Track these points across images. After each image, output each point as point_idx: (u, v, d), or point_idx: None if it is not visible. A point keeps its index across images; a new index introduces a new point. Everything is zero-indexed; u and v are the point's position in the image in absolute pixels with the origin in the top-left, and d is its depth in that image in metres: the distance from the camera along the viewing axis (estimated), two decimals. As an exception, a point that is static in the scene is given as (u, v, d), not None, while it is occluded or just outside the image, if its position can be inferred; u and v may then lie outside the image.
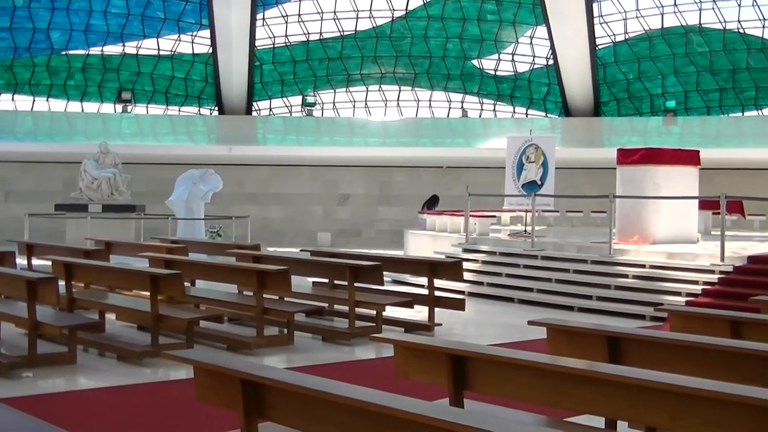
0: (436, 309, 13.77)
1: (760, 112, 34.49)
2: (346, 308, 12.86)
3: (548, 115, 36.99)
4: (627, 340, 6.88)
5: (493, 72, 37.14)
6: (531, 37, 36.23)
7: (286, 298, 13.32)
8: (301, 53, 37.21)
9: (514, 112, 37.43)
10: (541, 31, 35.12)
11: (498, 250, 19.55)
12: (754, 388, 5.16)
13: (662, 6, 33.95)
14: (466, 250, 19.86)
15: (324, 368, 10.45)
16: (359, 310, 13.00)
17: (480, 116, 37.52)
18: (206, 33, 35.96)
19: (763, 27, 32.81)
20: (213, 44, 35.56)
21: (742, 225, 26.31)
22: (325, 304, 13.81)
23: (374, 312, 13.09)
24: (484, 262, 19.21)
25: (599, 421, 6.40)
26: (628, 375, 5.40)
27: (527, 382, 5.92)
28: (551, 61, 35.30)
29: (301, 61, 37.32)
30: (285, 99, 38.14)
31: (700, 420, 5.03)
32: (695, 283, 15.43)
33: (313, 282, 15.36)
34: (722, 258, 15.65)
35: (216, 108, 37.09)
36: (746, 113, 34.66)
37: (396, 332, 12.35)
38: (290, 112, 38.25)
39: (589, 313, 15.61)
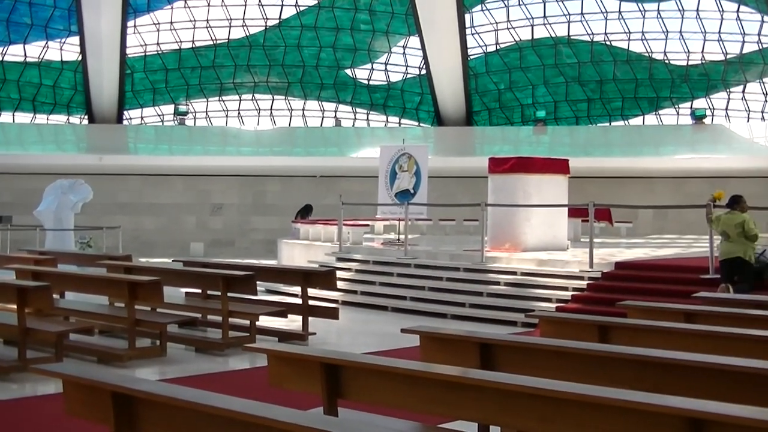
0: (310, 318, 13.75)
1: (626, 122, 35.38)
2: (219, 318, 12.73)
3: (421, 124, 37.31)
4: (498, 346, 6.96)
5: (366, 81, 37.31)
6: (404, 47, 36.51)
7: (158, 309, 13.12)
8: (173, 61, 36.79)
9: (387, 121, 37.65)
10: (414, 41, 35.42)
11: (371, 258, 19.62)
12: (622, 390, 5.29)
13: (532, 18, 34.58)
14: (339, 259, 19.88)
15: (197, 379, 10.33)
16: (233, 320, 12.89)
17: (353, 125, 37.65)
18: (75, 40, 35.26)
19: (629, 40, 33.71)
20: (82, 51, 34.89)
21: (611, 232, 26.92)
22: (198, 315, 13.66)
23: (248, 322, 12.99)
24: (358, 271, 19.26)
25: (472, 427, 6.45)
26: (498, 380, 5.47)
27: (400, 390, 5.94)
28: (424, 71, 35.63)
29: (173, 70, 36.90)
30: (157, 108, 37.68)
31: (569, 423, 5.12)
32: (565, 289, 15.73)
33: (186, 293, 15.18)
34: (591, 264, 16.00)
35: (86, 116, 36.38)
36: (613, 123, 35.54)
37: (270, 342, 12.30)
38: (162, 121, 37.80)
39: (462, 320, 15.78)
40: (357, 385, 6.18)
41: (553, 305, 15.24)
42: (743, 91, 33.55)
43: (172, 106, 37.14)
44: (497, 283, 16.75)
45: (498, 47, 35.67)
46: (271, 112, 37.89)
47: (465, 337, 7.17)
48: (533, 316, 9.21)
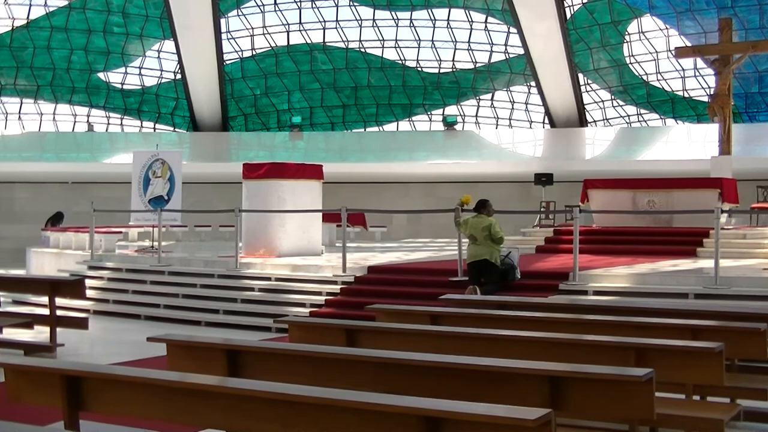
0: (60, 329, 13.29)
1: (381, 128, 36.02)
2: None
3: (176, 129, 36.80)
4: (246, 352, 6.94)
5: (120, 86, 36.47)
6: (159, 51, 35.94)
7: None
8: None
9: (141, 126, 36.93)
10: (169, 45, 34.93)
11: (124, 266, 19.19)
12: (361, 392, 5.37)
13: (288, 23, 34.71)
14: (91, 267, 19.37)
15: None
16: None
17: (107, 130, 36.71)
18: None
19: (383, 47, 34.34)
20: None
21: (366, 236, 27.37)
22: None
23: (-10, 335, 12.46)
24: (110, 279, 18.80)
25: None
26: (241, 387, 5.46)
27: (144, 400, 5.85)
28: (179, 76, 35.17)
29: None
30: None
31: (311, 427, 5.16)
32: (319, 294, 15.85)
33: None
34: (344, 269, 16.19)
35: None
36: (368, 129, 36.10)
37: (15, 355, 11.80)
38: None
39: (216, 327, 15.66)
40: (99, 396, 6.03)
41: (307, 310, 15.32)
42: (492, 99, 34.79)
43: None
44: (252, 289, 16.70)
45: (254, 52, 35.62)
46: (20, 116, 36.47)
47: (212, 344, 7.12)
48: (283, 321, 9.23)
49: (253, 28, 35.09)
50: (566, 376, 5.80)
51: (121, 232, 23.01)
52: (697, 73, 31.39)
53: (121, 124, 37.04)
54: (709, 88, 28.65)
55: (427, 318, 8.92)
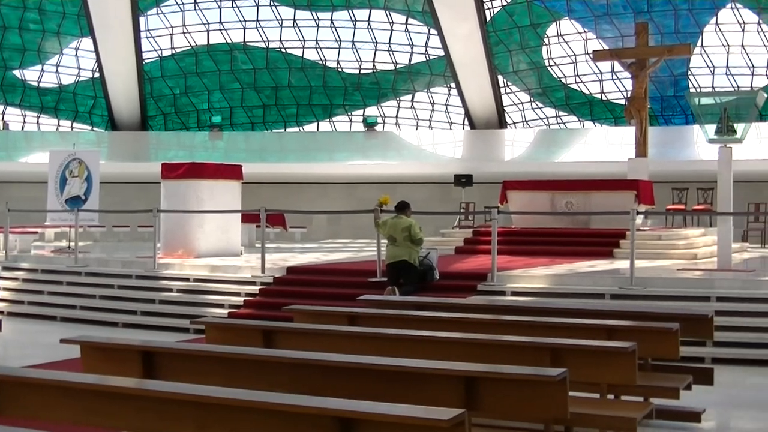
0: (-30, 332, 13.04)
1: (301, 128, 35.95)
2: None
3: (94, 128, 36.34)
4: (161, 354, 6.88)
5: (36, 84, 35.87)
6: (76, 49, 35.44)
7: None
8: None
9: (58, 125, 36.37)
10: (87, 43, 34.46)
11: (40, 267, 18.86)
12: (276, 393, 5.35)
13: (208, 23, 34.49)
14: (5, 268, 19.01)
15: None
16: None
17: (23, 129, 36.10)
18: None
19: (303, 48, 34.26)
20: None
21: (286, 237, 27.32)
22: None
23: None
24: (25, 280, 18.47)
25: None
26: (155, 389, 5.41)
27: (58, 403, 5.77)
28: (97, 74, 34.72)
29: None
30: None
31: (225, 428, 5.13)
32: (238, 294, 15.75)
33: None
34: (263, 270, 16.12)
35: None
36: (288, 129, 35.99)
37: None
38: None
39: (134, 328, 15.49)
40: (12, 400, 5.93)
41: (226, 311, 15.22)
42: (412, 100, 34.91)
43: None
44: (170, 290, 16.53)
45: (173, 51, 35.31)
46: (-71, 115, 35.73)
47: (126, 345, 7.04)
48: (200, 322, 9.16)
49: (172, 27, 34.81)
50: (481, 377, 5.85)
51: (36, 233, 22.67)
52: (614, 77, 31.83)
53: (38, 123, 36.43)
54: (626, 91, 29.10)
55: (345, 319, 8.93)
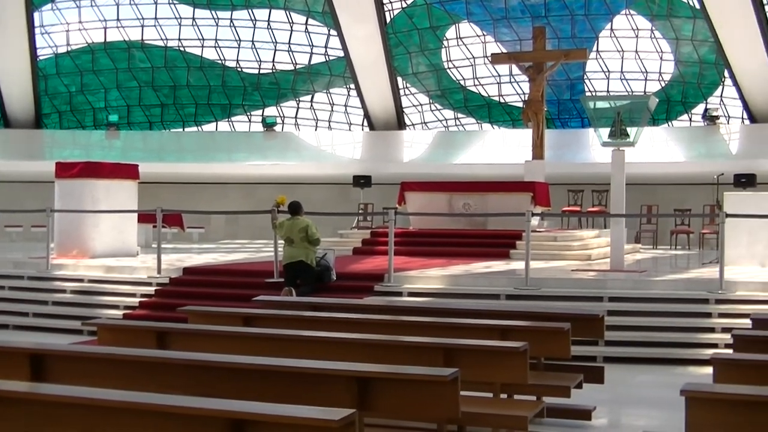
0: None
1: (200, 128, 35.62)
2: None
3: (-12, 126, 35.54)
4: (51, 356, 6.77)
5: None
6: (-33, 45, 34.58)
7: None
8: None
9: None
10: (-21, 38, 33.66)
11: (-73, 267, 18.39)
12: (170, 395, 5.30)
13: (105, 20, 33.94)
14: None
15: None
16: None
17: None
18: None
19: (203, 47, 33.95)
20: None
21: (183, 237, 27.09)
22: None
23: None
24: None
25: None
26: (43, 392, 5.33)
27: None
28: (-10, 71, 33.97)
29: None
30: None
31: (116, 431, 5.07)
32: (133, 295, 15.59)
33: None
34: (159, 270, 15.97)
35: None
36: (187, 129, 35.63)
37: None
38: None
39: (26, 330, 15.23)
40: None
41: (121, 312, 15.04)
42: (312, 101, 34.84)
43: None
44: (63, 291, 16.28)
45: (69, 48, 34.67)
46: None
47: (14, 348, 6.90)
48: (92, 324, 9.02)
49: (68, 24, 34.16)
50: (374, 377, 5.87)
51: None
52: (512, 80, 32.17)
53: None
54: (524, 94, 29.42)
55: (240, 320, 8.89)
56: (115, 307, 15.38)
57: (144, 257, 18.96)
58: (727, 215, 14.42)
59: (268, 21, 33.26)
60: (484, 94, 33.12)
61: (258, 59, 34.04)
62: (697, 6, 27.26)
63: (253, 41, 33.68)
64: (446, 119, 34.16)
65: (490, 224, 20.60)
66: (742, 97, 28.55)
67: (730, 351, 8.20)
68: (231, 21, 33.43)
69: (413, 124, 33.77)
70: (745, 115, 29.16)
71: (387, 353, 7.26)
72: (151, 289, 15.61)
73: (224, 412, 4.76)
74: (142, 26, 33.79)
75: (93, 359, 6.80)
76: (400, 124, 33.02)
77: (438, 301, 13.27)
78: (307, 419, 4.55)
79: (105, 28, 34.11)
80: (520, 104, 29.37)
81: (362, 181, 27.45)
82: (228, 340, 7.90)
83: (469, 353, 7.05)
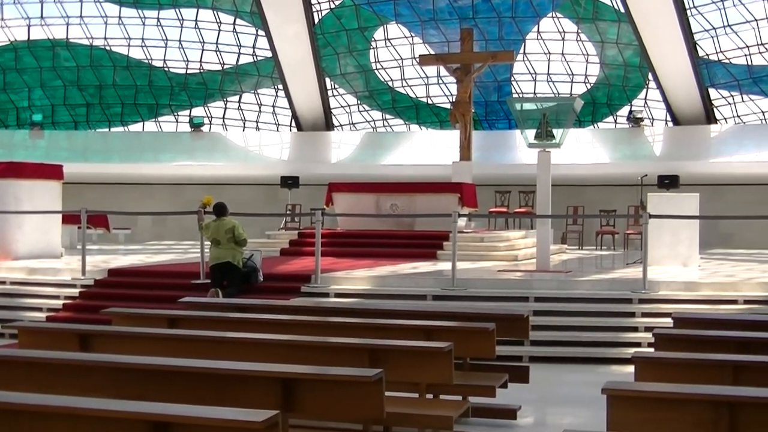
0: None
1: (126, 128, 35.24)
2: None
3: None
4: (-30, 360, 6.66)
5: None
6: None
7: None
8: None
9: None
10: None
11: None
12: (92, 399, 5.24)
13: (29, 17, 33.45)
14: None
15: None
16: None
17: None
18: None
19: (129, 46, 33.62)
20: None
21: (109, 239, 26.78)
22: None
23: None
24: None
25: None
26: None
27: None
28: None
29: None
30: None
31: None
32: (57, 297, 15.38)
33: None
34: (83, 272, 15.79)
35: None
36: (113, 129, 35.23)
37: None
38: None
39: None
40: None
41: (44, 315, 14.82)
42: (239, 101, 34.67)
43: None
44: (-15, 293, 16.03)
45: (-8, 46, 34.17)
46: None
47: (-69, 352, 6.79)
48: (12, 326, 8.89)
49: (-12, 21, 33.65)
50: (298, 378, 5.87)
51: None
52: (440, 81, 32.31)
53: None
54: (451, 95, 29.56)
55: (164, 321, 8.83)
56: (38, 309, 15.15)
57: (68, 259, 18.71)
58: (651, 216, 14.64)
59: (196, 21, 33.01)
60: (412, 95, 33.24)
61: (185, 59, 33.79)
62: (622, 10, 27.61)
63: (180, 41, 33.42)
64: (374, 120, 34.20)
65: (418, 225, 20.67)
66: (665, 100, 29.00)
67: (652, 350, 8.31)
68: (158, 20, 33.12)
69: (341, 125, 33.77)
70: (669, 118, 29.63)
71: (313, 354, 7.25)
72: (75, 291, 15.41)
73: (147, 415, 4.72)
74: (67, 24, 33.35)
75: (13, 363, 6.71)
76: (328, 125, 33.01)
77: (364, 302, 13.29)
78: (229, 421, 4.53)
79: (29, 26, 33.61)
80: (448, 105, 29.46)
81: (290, 182, 27.39)
82: (152, 342, 7.84)
83: (394, 354, 7.07)
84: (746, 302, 13.50)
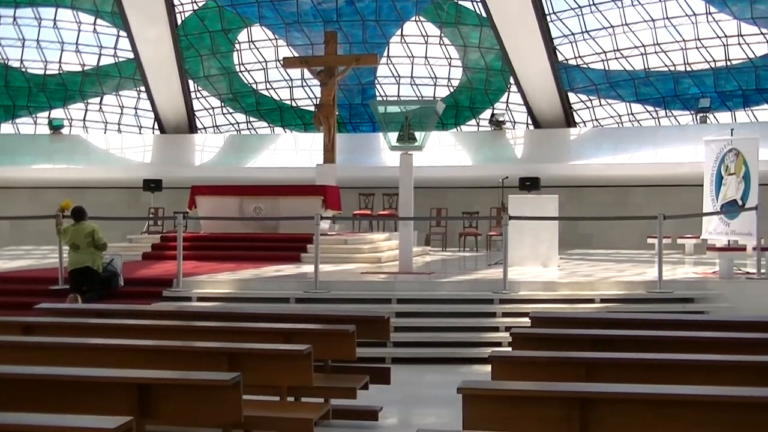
0: None
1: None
2: None
3: None
4: None
5: None
6: None
7: None
8: None
9: None
10: None
11: None
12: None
13: None
14: None
15: None
16: None
17: None
18: None
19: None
20: None
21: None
22: None
23: None
24: None
25: None
26: None
27: None
28: None
29: None
30: None
31: None
32: None
33: None
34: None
35: None
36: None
37: None
38: None
39: None
40: None
41: None
42: (100, 103, 34.04)
43: None
44: None
45: None
46: None
47: None
48: None
49: None
50: (155, 383, 5.81)
51: None
52: (304, 84, 32.28)
53: None
54: (316, 98, 29.54)
55: (19, 329, 8.62)
56: None
57: None
58: (511, 217, 14.91)
59: (55, 20, 32.28)
60: (276, 97, 33.13)
61: (44, 59, 33.01)
62: (484, 15, 28.02)
63: (38, 41, 32.63)
64: (238, 123, 33.99)
65: (282, 228, 20.64)
66: (526, 103, 29.54)
67: (510, 349, 8.48)
68: (14, 19, 32.27)
69: (205, 128, 33.46)
70: (530, 121, 30.19)
71: (173, 359, 7.18)
72: None
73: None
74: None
75: None
76: (192, 128, 32.68)
77: (227, 305, 13.22)
78: (81, 429, 4.46)
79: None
80: (312, 108, 29.51)
81: (153, 185, 27.03)
82: (5, 350, 7.65)
83: (254, 357, 7.06)
84: (603, 301, 13.87)
